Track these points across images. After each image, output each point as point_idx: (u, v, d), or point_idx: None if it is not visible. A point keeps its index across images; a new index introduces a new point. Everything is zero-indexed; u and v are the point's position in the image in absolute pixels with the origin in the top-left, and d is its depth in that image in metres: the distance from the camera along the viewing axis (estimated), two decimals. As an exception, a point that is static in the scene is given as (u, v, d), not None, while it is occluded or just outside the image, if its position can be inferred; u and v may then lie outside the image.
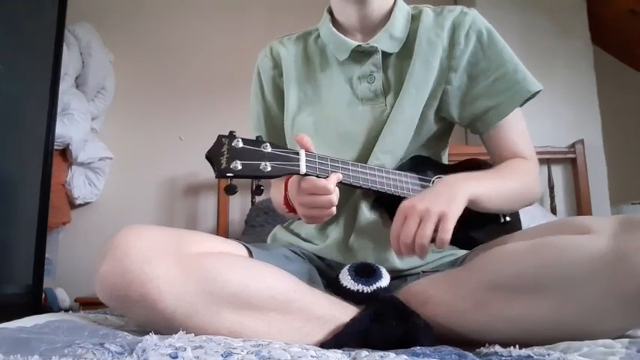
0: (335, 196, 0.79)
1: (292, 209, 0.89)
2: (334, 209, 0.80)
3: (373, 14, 0.99)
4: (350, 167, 0.84)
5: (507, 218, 0.98)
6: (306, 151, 0.80)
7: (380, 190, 0.87)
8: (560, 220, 0.87)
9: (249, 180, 0.76)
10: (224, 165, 0.73)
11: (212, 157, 0.74)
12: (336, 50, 1.00)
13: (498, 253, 0.72)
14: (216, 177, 0.73)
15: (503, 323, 0.67)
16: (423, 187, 0.91)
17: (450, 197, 0.78)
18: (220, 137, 0.75)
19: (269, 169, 0.74)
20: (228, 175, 0.73)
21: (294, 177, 0.83)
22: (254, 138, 0.77)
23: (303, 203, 0.80)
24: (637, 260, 0.59)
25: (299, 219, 0.97)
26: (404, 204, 0.79)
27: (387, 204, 0.91)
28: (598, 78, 2.37)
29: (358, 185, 0.84)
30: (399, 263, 0.89)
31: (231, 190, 0.74)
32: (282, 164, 0.76)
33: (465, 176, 0.85)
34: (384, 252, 0.89)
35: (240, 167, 0.73)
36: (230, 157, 0.73)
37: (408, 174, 0.90)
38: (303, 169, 0.78)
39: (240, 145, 0.75)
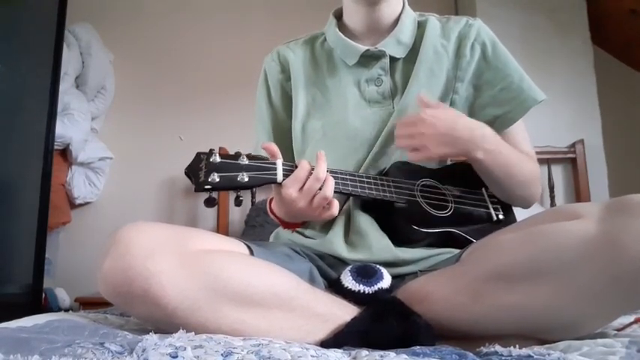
0: (321, 171, 0.79)
1: (288, 224, 0.92)
2: (330, 188, 0.80)
3: (383, 18, 1.01)
4: (329, 174, 0.83)
5: (500, 217, 0.99)
6: (277, 157, 0.82)
7: (358, 194, 0.87)
8: (550, 209, 0.89)
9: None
10: (202, 179, 0.75)
11: (191, 172, 0.77)
12: (345, 54, 1.02)
13: (492, 245, 0.74)
14: (195, 191, 0.76)
15: (503, 313, 0.67)
16: (408, 190, 0.92)
17: (449, 143, 0.87)
18: (199, 154, 0.78)
19: (246, 179, 0.77)
20: (207, 187, 0.75)
21: (275, 199, 0.87)
22: (234, 152, 0.79)
23: (300, 197, 0.80)
24: (625, 241, 0.59)
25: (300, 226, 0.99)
26: (424, 112, 0.86)
27: (373, 207, 0.93)
28: (598, 78, 2.36)
29: (338, 191, 0.85)
30: (400, 253, 0.90)
31: (210, 202, 0.77)
32: (260, 174, 0.78)
33: (485, 137, 0.90)
34: (383, 243, 0.90)
35: (218, 180, 0.75)
36: (208, 170, 0.76)
37: (391, 179, 0.91)
38: (280, 178, 0.80)
39: (218, 159, 0.77)
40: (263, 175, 0.79)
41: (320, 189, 0.80)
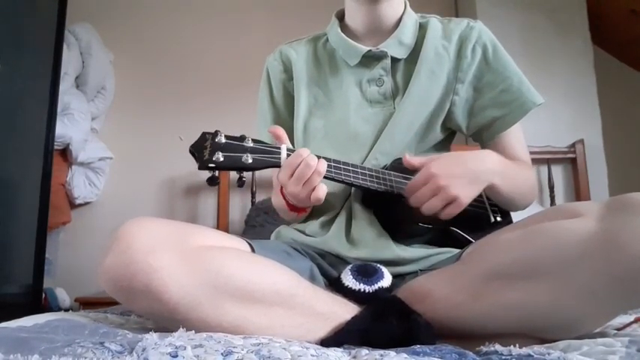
0: (312, 158, 0.79)
1: (295, 207, 0.91)
2: (322, 166, 0.79)
3: (384, 18, 1.02)
4: (332, 163, 0.84)
5: (498, 218, 0.99)
6: (282, 141, 0.83)
7: (359, 185, 0.88)
8: (549, 208, 0.90)
9: (250, 182, 0.78)
10: (206, 157, 0.75)
11: (195, 150, 0.77)
12: (346, 55, 1.03)
13: (492, 244, 0.74)
14: (198, 168, 0.76)
15: (503, 312, 0.67)
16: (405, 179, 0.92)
17: (472, 180, 0.84)
18: (204, 133, 0.78)
19: (250, 161, 0.77)
20: (210, 165, 0.75)
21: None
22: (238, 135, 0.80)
23: (290, 182, 0.80)
24: (625, 240, 0.59)
25: (303, 220, 0.99)
26: (430, 167, 0.83)
27: (373, 201, 0.93)
28: (598, 78, 2.37)
29: (340, 180, 0.85)
30: (401, 251, 0.90)
31: (213, 181, 0.78)
32: (264, 157, 0.79)
33: (494, 162, 0.90)
34: (384, 242, 0.91)
35: (222, 159, 0.75)
36: (212, 150, 0.76)
37: (392, 173, 0.91)
38: (283, 162, 0.80)
39: (223, 140, 0.77)
40: (267, 158, 0.79)
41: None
